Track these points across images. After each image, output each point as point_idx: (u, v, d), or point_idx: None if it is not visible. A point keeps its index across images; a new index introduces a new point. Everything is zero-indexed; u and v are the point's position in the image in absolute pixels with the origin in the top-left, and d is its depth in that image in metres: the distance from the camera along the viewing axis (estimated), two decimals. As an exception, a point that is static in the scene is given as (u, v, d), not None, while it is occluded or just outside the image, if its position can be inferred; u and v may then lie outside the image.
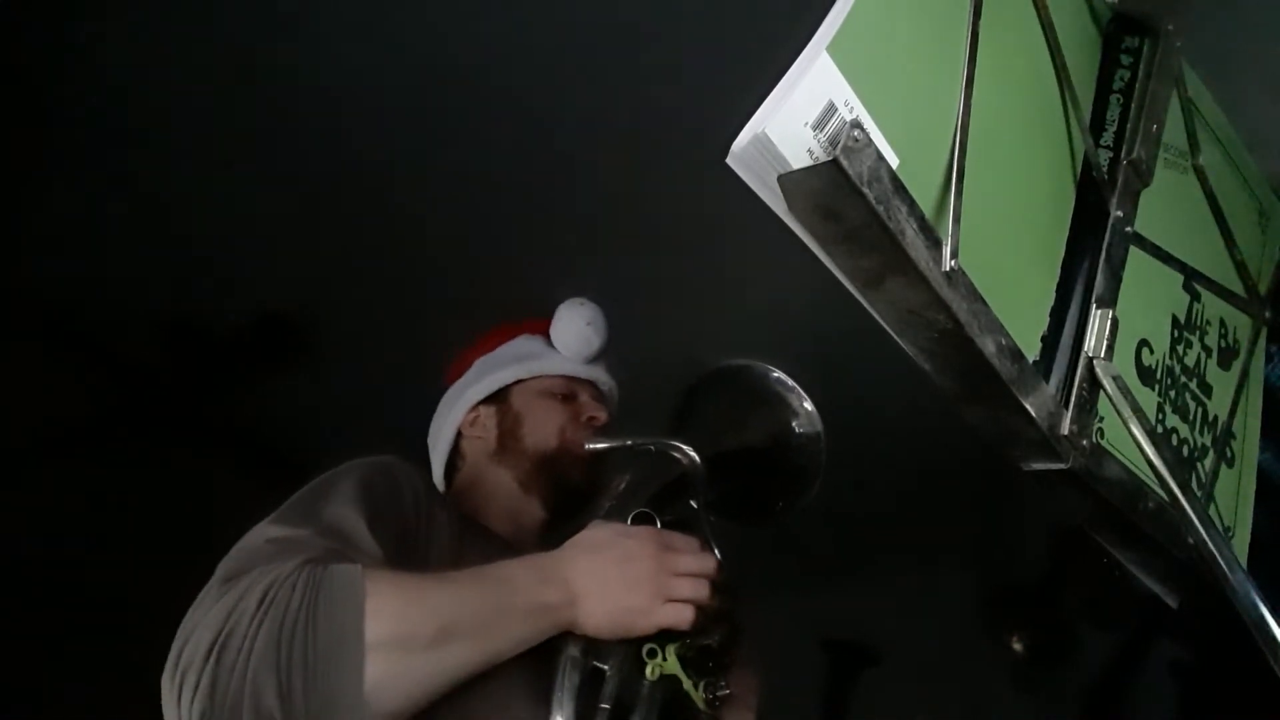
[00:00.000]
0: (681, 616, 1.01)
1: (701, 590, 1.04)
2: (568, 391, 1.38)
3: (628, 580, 1.00)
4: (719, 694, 1.05)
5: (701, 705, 1.03)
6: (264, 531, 0.99)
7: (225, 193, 2.30)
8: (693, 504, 1.16)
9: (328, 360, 2.76)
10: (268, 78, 2.04)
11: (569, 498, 1.30)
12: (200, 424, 2.98)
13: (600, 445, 1.28)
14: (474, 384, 1.40)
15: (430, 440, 1.43)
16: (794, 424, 1.26)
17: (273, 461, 2.81)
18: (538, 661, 0.99)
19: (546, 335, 1.40)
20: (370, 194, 2.29)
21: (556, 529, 1.30)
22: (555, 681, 0.97)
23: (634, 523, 1.08)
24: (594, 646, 1.00)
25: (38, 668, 2.76)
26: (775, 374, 1.27)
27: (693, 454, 1.15)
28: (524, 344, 1.42)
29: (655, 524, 1.08)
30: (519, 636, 0.97)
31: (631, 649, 1.01)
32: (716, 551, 1.11)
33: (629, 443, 1.24)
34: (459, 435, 1.39)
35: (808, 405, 1.26)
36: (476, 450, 1.37)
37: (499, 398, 1.38)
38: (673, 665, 1.02)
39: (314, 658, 0.85)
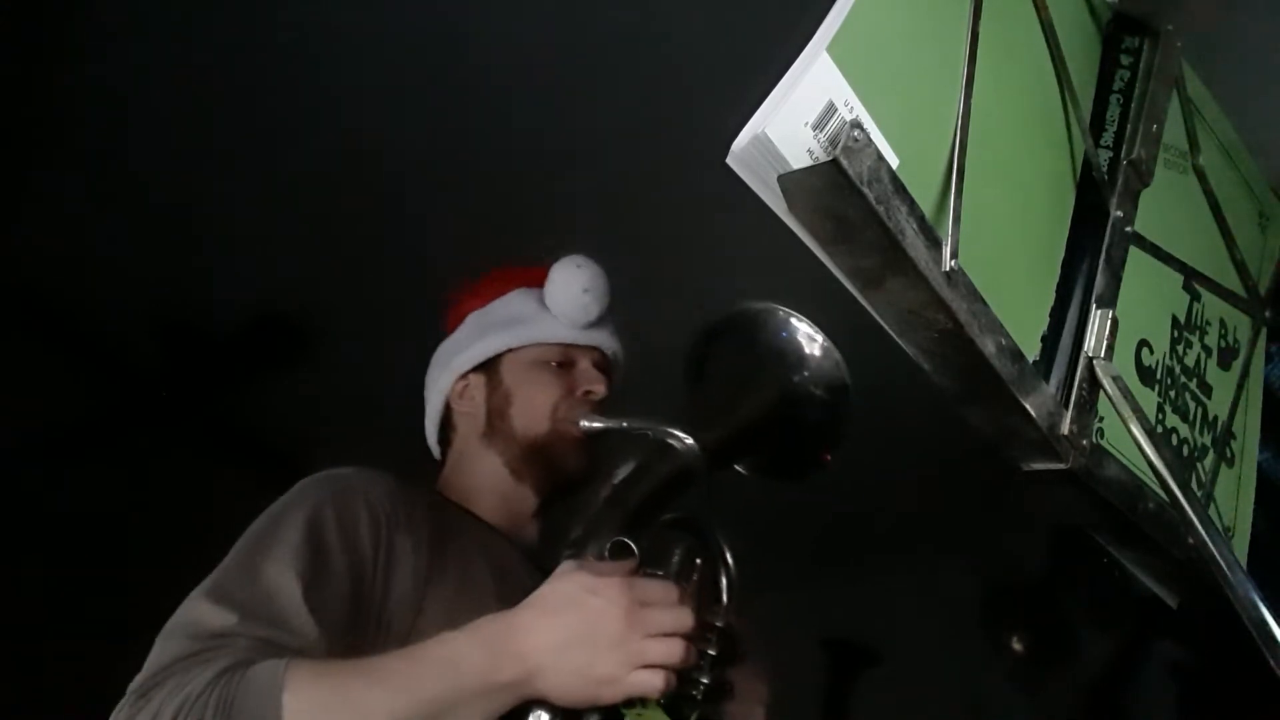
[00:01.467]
0: (652, 684, 0.90)
1: (675, 653, 0.91)
2: (564, 359, 1.27)
3: (594, 647, 0.88)
4: None
5: None
6: (191, 611, 0.95)
7: (225, 192, 2.30)
8: (696, 507, 1.06)
9: (328, 360, 2.76)
10: (268, 76, 2.04)
11: (563, 486, 1.23)
12: (200, 424, 2.98)
13: (595, 425, 1.18)
14: (464, 349, 1.30)
15: (426, 395, 1.35)
16: (809, 373, 1.13)
17: (273, 461, 2.81)
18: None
19: (543, 290, 1.28)
20: (371, 193, 2.29)
21: (549, 515, 1.26)
22: None
23: (610, 555, 0.92)
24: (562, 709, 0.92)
25: (37, 667, 2.76)
26: (793, 318, 1.14)
27: (690, 441, 1.02)
28: (518, 302, 1.30)
29: (633, 554, 0.92)
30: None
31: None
32: (730, 557, 1.04)
33: (624, 424, 1.14)
34: (449, 407, 1.31)
35: (836, 355, 1.13)
36: (466, 426, 1.29)
37: (488, 366, 1.29)
38: (654, 714, 0.93)
39: None
